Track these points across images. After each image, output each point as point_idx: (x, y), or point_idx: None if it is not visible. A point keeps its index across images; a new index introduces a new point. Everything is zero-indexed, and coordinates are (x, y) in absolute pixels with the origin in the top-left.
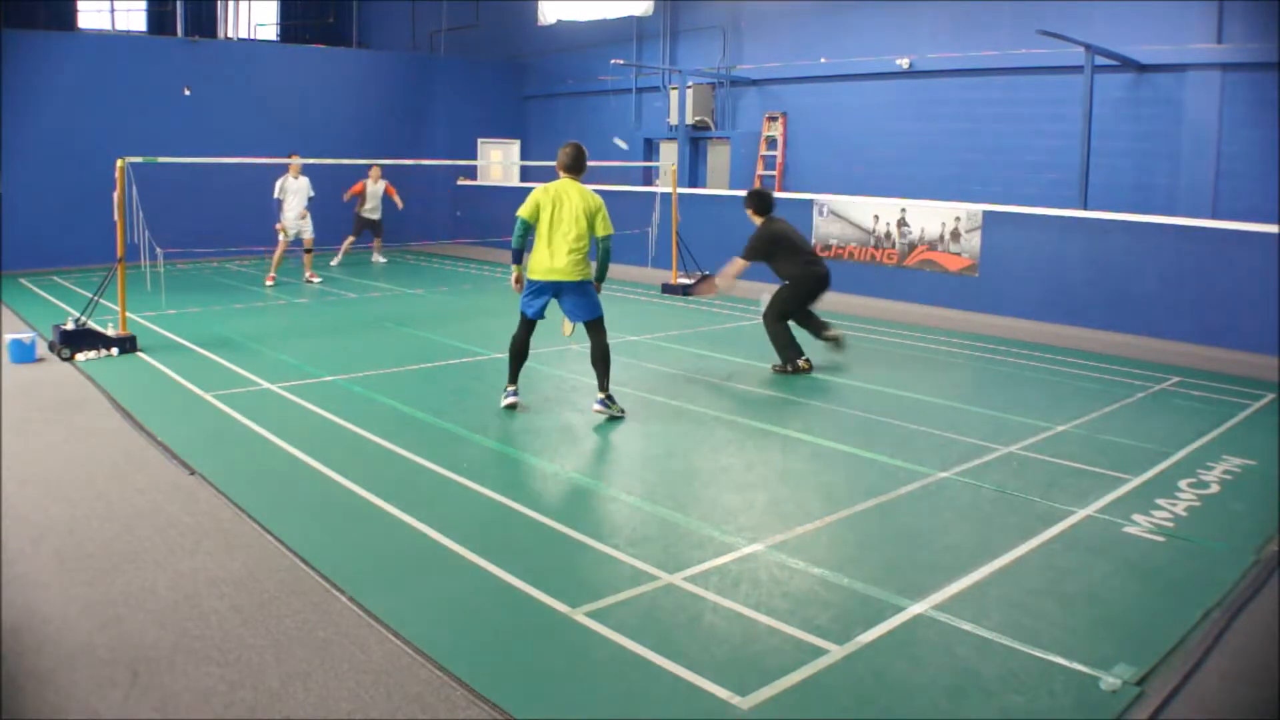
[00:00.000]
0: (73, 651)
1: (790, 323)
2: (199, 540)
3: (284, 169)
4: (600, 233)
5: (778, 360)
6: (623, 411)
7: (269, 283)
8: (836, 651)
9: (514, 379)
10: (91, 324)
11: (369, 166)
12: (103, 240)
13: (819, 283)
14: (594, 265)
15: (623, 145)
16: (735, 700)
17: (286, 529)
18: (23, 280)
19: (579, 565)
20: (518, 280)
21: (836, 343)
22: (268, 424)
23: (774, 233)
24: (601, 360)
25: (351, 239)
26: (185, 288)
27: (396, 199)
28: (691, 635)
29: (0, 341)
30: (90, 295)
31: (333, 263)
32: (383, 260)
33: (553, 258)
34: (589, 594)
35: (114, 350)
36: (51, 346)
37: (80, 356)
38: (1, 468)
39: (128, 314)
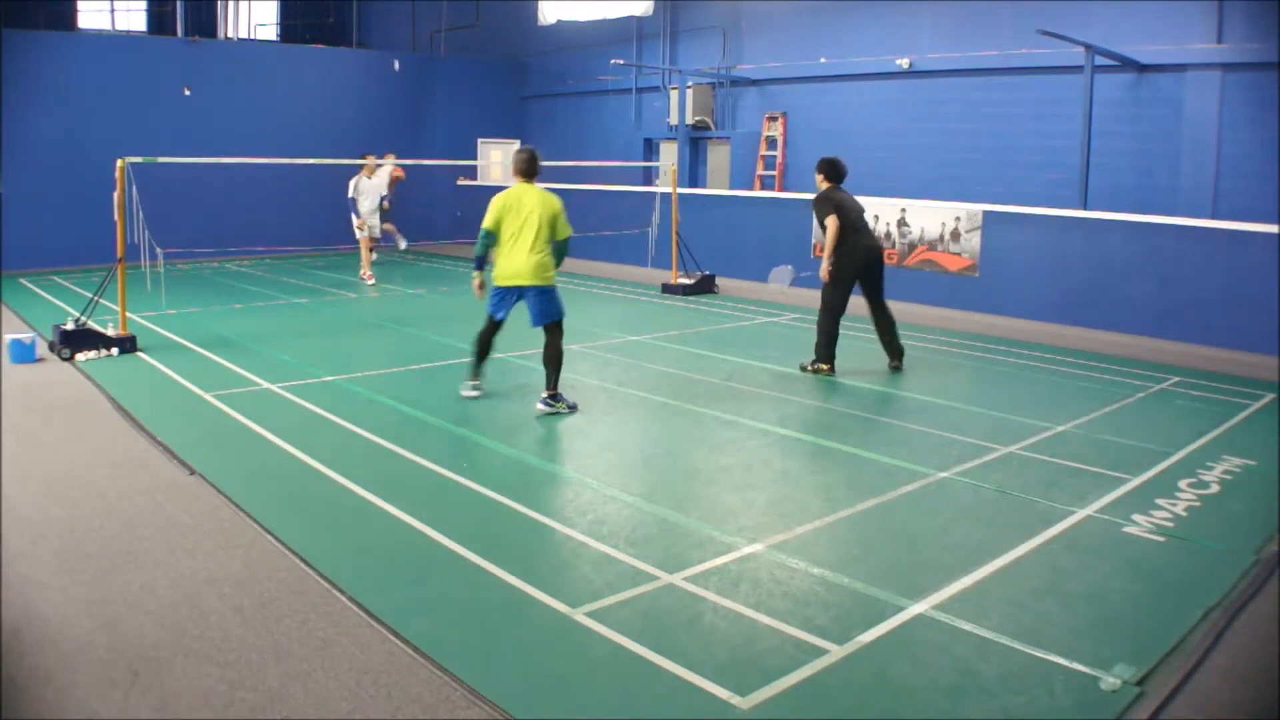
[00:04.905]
0: (73, 651)
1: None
2: (199, 540)
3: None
4: (561, 235)
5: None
6: (571, 407)
7: (369, 281)
8: (836, 651)
9: (477, 374)
10: (91, 324)
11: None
12: (103, 240)
13: (868, 254)
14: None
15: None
16: (735, 700)
17: (286, 529)
18: (23, 280)
19: (579, 565)
20: (480, 286)
21: (896, 369)
22: (268, 424)
23: (836, 199)
24: (552, 361)
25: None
26: (185, 288)
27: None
28: (691, 635)
29: (0, 341)
30: (90, 295)
31: (401, 246)
32: (403, 245)
33: (515, 263)
34: (589, 594)
35: (114, 350)
36: (51, 346)
37: (80, 356)
38: (1, 468)
39: (128, 314)
